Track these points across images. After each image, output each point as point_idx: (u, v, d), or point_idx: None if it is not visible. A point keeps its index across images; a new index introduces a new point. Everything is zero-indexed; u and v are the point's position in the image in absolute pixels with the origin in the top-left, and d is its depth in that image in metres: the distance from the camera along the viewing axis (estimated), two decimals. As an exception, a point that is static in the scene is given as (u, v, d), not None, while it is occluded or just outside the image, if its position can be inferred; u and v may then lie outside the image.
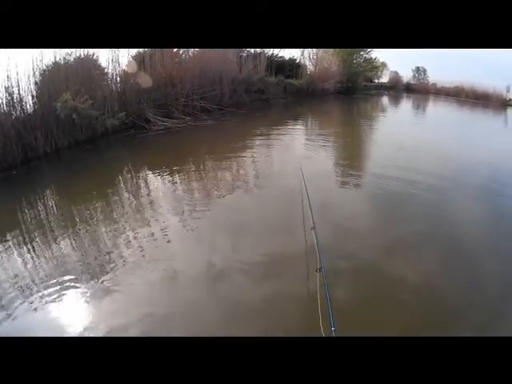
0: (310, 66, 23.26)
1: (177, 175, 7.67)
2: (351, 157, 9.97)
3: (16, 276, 4.03)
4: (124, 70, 11.89)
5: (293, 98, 20.24)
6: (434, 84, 30.93)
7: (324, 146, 10.83)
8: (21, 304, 3.56)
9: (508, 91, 24.26)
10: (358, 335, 1.67)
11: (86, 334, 3.14)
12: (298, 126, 14.54)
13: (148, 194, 6.74)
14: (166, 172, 7.79)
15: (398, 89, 30.48)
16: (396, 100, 27.17)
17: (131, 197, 6.60)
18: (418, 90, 30.62)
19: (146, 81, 11.87)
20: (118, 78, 11.65)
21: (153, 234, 4.94)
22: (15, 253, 4.52)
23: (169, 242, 4.81)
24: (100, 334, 3.11)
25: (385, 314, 3.64)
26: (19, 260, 4.37)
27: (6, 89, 8.11)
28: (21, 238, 4.91)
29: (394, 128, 15.23)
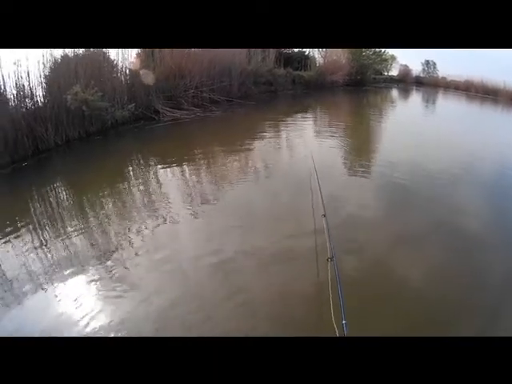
0: (318, 59, 23.13)
1: (186, 165, 7.75)
2: (361, 148, 10.02)
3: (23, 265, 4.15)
4: (133, 62, 11.98)
5: (301, 90, 20.17)
6: (444, 78, 30.55)
7: (333, 137, 10.84)
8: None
9: (517, 86, 23.85)
10: (361, 335, 1.62)
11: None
12: (307, 118, 14.51)
13: (158, 184, 6.83)
14: (175, 162, 7.86)
15: (407, 82, 30.20)
16: (405, 93, 26.93)
17: (141, 186, 6.69)
18: (428, 84, 30.29)
19: (151, 76, 11.92)
20: (127, 71, 11.76)
21: (163, 223, 5.03)
22: (26, 245, 4.60)
23: (177, 229, 4.94)
24: (100, 335, 3.13)
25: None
26: (30, 252, 4.43)
27: (17, 82, 8.21)
28: (31, 227, 5.02)
29: (404, 120, 15.22)
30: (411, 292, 3.78)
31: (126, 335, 3.09)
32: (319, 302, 3.35)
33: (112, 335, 3.10)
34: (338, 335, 2.18)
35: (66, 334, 3.14)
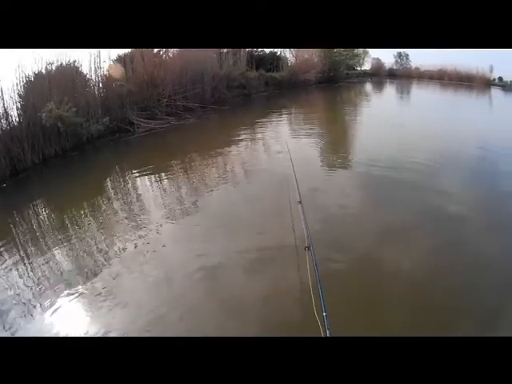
0: (290, 58, 23.37)
1: (163, 174, 7.99)
2: (337, 142, 10.48)
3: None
4: (106, 75, 12.15)
5: (275, 90, 20.38)
6: (417, 68, 30.81)
7: (308, 134, 11.21)
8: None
9: (491, 71, 24.30)
10: (356, 335, 1.71)
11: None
12: (281, 118, 14.83)
13: (136, 195, 7.06)
14: (151, 172, 8.09)
15: (380, 75, 30.53)
16: (379, 86, 27.15)
17: (120, 200, 6.88)
18: (401, 75, 30.63)
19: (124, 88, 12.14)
20: (101, 84, 11.91)
21: (145, 236, 5.23)
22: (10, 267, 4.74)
23: (161, 239, 5.17)
24: (100, 335, 3.23)
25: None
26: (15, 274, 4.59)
27: None
28: (15, 249, 5.18)
29: (378, 112, 15.65)
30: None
31: (125, 335, 3.18)
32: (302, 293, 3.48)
33: (112, 335, 3.19)
34: (326, 334, 2.13)
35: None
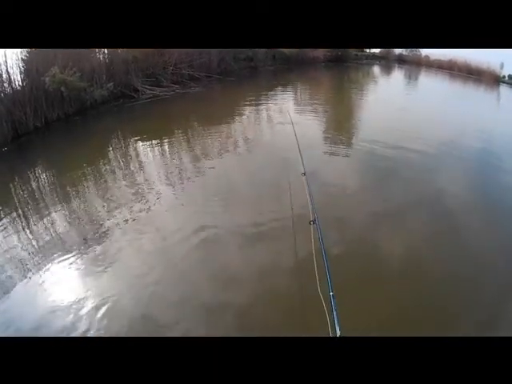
0: (300, 34, 22.75)
1: (166, 141, 8.05)
2: (340, 122, 10.41)
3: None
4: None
5: (282, 65, 20.01)
6: (427, 56, 30.19)
7: (313, 111, 11.15)
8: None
9: (502, 68, 23.91)
10: (361, 335, 1.63)
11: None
12: (287, 93, 14.66)
13: (138, 161, 7.11)
14: (153, 139, 8.12)
15: (389, 59, 29.97)
16: (387, 70, 26.74)
17: (121, 165, 6.94)
18: (410, 62, 30.05)
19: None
20: (106, 50, 11.66)
21: (145, 201, 5.35)
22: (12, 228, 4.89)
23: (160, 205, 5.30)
24: (100, 335, 3.28)
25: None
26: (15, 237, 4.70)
27: None
28: (14, 213, 5.28)
29: (385, 95, 15.48)
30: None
31: (125, 335, 3.19)
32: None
33: (112, 336, 3.23)
34: (329, 334, 2.03)
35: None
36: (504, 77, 23.67)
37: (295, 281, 3.84)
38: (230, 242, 4.46)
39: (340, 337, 1.93)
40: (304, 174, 4.00)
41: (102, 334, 3.24)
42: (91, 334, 3.25)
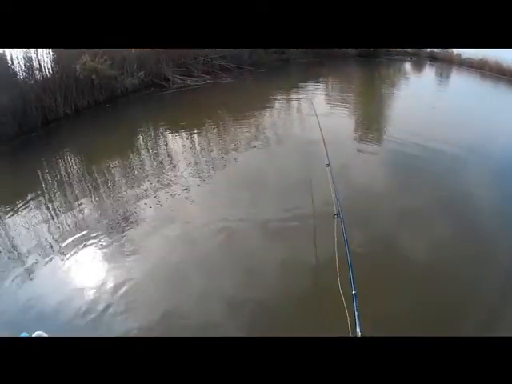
0: (332, 27, 22.36)
1: (195, 132, 7.94)
2: (370, 118, 9.97)
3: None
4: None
5: (313, 58, 19.51)
6: (459, 54, 29.56)
7: (343, 105, 10.79)
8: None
9: (536, 69, 23.10)
10: (369, 336, 1.66)
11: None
12: (317, 88, 14.30)
13: (166, 151, 7.05)
14: (183, 129, 8.05)
15: (421, 56, 29.35)
16: (419, 67, 26.27)
17: (149, 154, 6.91)
18: (442, 59, 29.40)
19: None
20: None
21: (172, 190, 5.32)
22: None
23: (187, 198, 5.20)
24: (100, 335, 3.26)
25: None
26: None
27: (24, 55, 8.31)
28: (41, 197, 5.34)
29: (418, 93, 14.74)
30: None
31: (125, 336, 3.19)
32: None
33: (112, 336, 3.22)
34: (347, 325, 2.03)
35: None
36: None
37: (314, 277, 3.75)
38: (253, 235, 4.38)
39: (361, 337, 1.94)
40: (328, 165, 3.83)
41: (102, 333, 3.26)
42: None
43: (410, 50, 29.63)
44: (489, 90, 19.77)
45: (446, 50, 30.13)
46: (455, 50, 29.51)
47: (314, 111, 5.77)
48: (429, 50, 30.01)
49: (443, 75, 24.49)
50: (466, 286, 3.67)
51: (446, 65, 27.97)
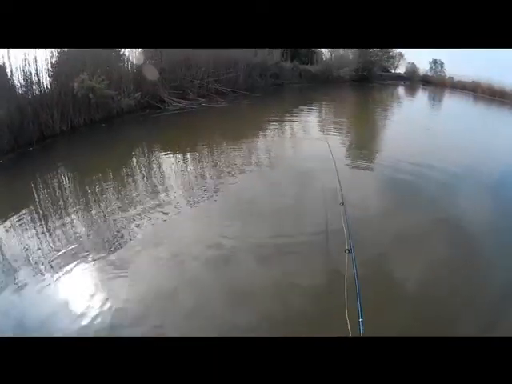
0: (325, 53, 23.11)
1: (188, 155, 7.85)
2: (363, 144, 10.00)
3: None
4: (140, 51, 12.02)
5: (307, 83, 20.15)
6: (451, 78, 30.17)
7: (336, 130, 10.95)
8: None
9: (525, 89, 23.52)
10: (369, 336, 1.67)
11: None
12: (312, 112, 14.57)
13: (159, 173, 6.93)
14: (177, 151, 7.94)
15: (414, 80, 29.94)
16: (412, 91, 26.77)
17: (142, 175, 6.80)
18: (435, 83, 29.98)
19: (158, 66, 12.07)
20: (134, 60, 11.84)
21: (164, 211, 5.10)
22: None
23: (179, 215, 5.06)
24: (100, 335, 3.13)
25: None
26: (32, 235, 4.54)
27: (24, 69, 8.33)
28: (34, 212, 5.13)
29: (410, 117, 15.14)
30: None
31: (125, 335, 3.10)
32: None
33: (112, 336, 3.09)
34: (350, 334, 2.13)
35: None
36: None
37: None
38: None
39: (361, 337, 2.02)
40: (342, 203, 3.92)
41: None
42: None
43: (403, 73, 30.42)
44: (482, 112, 20.07)
45: (439, 73, 30.88)
46: (448, 73, 30.19)
47: (332, 155, 5.51)
48: (421, 73, 30.75)
49: (436, 98, 24.93)
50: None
51: (439, 88, 28.54)
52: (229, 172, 6.78)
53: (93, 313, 3.28)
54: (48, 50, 9.08)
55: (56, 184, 6.32)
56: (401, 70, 31.20)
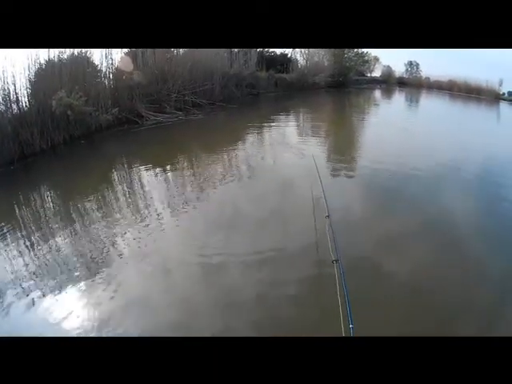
0: (301, 61, 23.41)
1: (168, 168, 8.05)
2: (343, 148, 10.41)
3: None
4: (117, 67, 12.29)
5: (284, 92, 20.39)
6: (427, 78, 30.61)
7: (314, 136, 11.38)
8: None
9: (501, 85, 24.10)
10: (364, 335, 1.71)
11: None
12: (289, 119, 14.93)
13: (140, 187, 7.08)
14: (157, 165, 8.11)
15: (390, 83, 30.42)
16: (388, 93, 27.09)
17: (123, 191, 6.95)
18: (411, 84, 30.48)
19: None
20: (111, 75, 12.06)
21: (147, 226, 5.26)
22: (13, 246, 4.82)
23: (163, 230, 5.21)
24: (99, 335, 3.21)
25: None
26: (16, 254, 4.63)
27: (2, 87, 8.46)
28: (18, 232, 5.23)
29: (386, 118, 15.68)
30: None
31: (125, 335, 3.15)
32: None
33: (112, 336, 3.16)
34: (343, 335, 2.16)
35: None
36: (503, 94, 23.84)
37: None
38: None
39: (358, 337, 2.03)
40: (328, 216, 3.92)
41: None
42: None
43: (379, 76, 30.94)
44: (460, 110, 20.50)
45: (415, 74, 31.45)
46: (424, 74, 30.72)
47: (317, 169, 5.54)
48: (397, 75, 31.28)
49: (413, 99, 25.39)
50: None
51: (415, 88, 28.98)
52: (209, 184, 6.95)
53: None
54: (25, 66, 9.20)
55: (38, 203, 6.45)
56: (377, 73, 31.77)
